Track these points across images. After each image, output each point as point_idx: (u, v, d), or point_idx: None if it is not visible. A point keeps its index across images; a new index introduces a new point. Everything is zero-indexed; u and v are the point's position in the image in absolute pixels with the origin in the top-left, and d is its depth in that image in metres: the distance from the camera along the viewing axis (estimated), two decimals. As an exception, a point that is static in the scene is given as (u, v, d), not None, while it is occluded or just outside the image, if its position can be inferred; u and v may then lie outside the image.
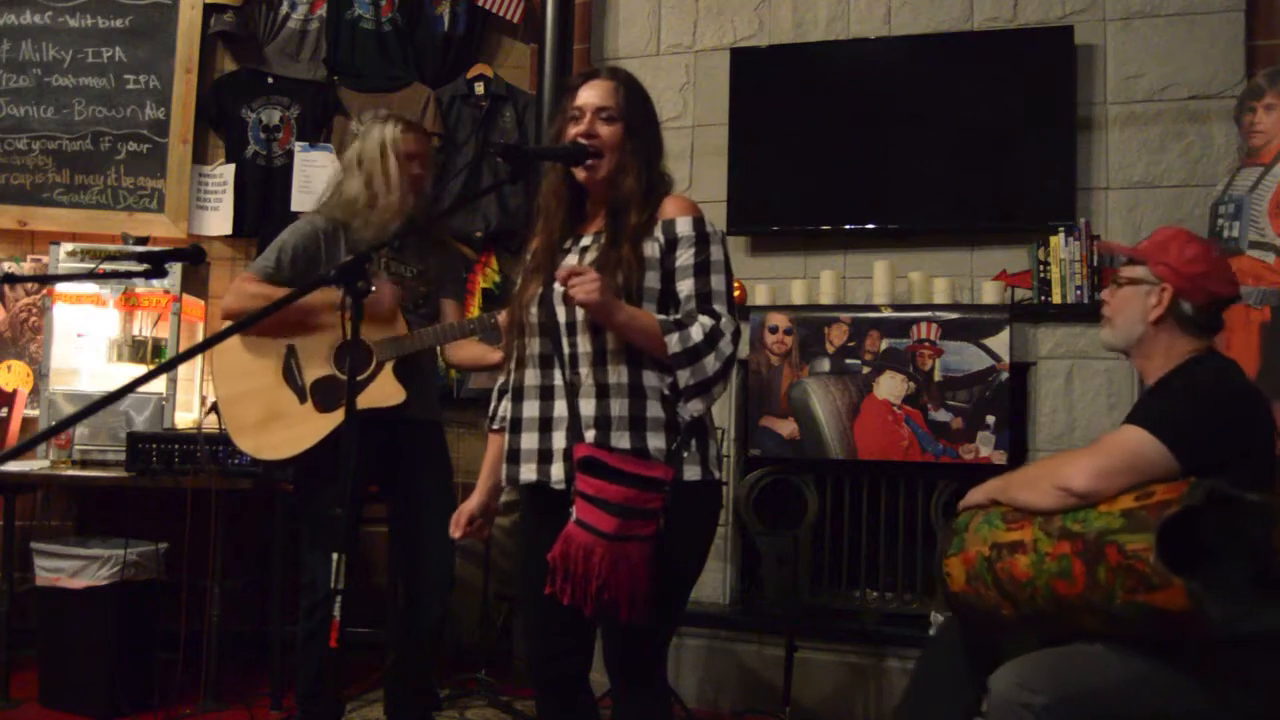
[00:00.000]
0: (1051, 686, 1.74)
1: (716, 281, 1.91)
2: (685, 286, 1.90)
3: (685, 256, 1.90)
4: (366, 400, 2.60)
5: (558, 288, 1.90)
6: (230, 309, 2.70)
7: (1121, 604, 1.73)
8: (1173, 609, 1.68)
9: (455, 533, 2.11)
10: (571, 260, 1.96)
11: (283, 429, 2.68)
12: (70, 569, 3.19)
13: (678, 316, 1.88)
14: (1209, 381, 1.96)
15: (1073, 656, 1.82)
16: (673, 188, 2.03)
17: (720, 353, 1.85)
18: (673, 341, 1.83)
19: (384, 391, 2.65)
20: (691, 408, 1.86)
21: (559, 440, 1.89)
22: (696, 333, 1.84)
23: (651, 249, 1.90)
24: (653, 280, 1.89)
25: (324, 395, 2.69)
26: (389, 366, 2.66)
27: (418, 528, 2.74)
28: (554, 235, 2.01)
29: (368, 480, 2.82)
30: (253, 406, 2.71)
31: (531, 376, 1.95)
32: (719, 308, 1.89)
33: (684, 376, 1.84)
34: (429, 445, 2.79)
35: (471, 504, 2.12)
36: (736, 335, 1.89)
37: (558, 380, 1.91)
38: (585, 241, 1.98)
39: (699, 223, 1.93)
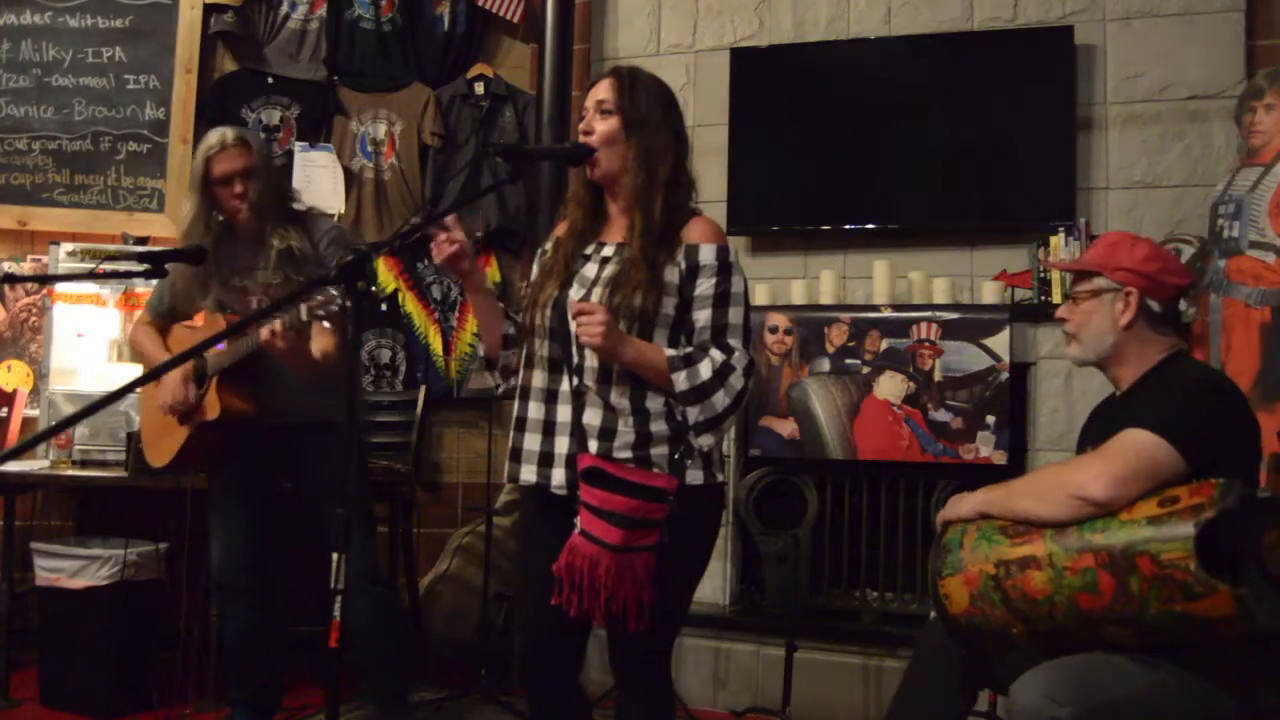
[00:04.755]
0: (1078, 698, 1.71)
1: (734, 314, 1.89)
2: (702, 317, 1.88)
3: (705, 286, 1.88)
4: (198, 416, 2.73)
5: (572, 295, 1.90)
6: None
7: (1156, 614, 1.70)
8: (1215, 616, 1.66)
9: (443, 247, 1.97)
10: (591, 268, 1.94)
11: (158, 441, 2.87)
12: (70, 569, 3.19)
13: (688, 350, 1.87)
14: (1198, 379, 1.96)
15: (1097, 666, 1.78)
16: (693, 189, 1.99)
17: (730, 388, 1.83)
18: (680, 379, 1.82)
19: (208, 406, 2.72)
20: (702, 441, 1.85)
21: (561, 445, 1.89)
22: (705, 369, 1.83)
23: (672, 274, 1.88)
24: (669, 306, 1.87)
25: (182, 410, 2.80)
26: (213, 381, 2.70)
27: (318, 534, 2.77)
28: (575, 238, 1.99)
29: (271, 481, 2.89)
30: (148, 420, 2.94)
31: (539, 379, 1.94)
32: (733, 342, 1.87)
33: (693, 413, 1.83)
34: (314, 448, 2.69)
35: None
36: (749, 370, 1.87)
37: (564, 386, 1.91)
38: (607, 251, 1.95)
39: (723, 252, 1.90)
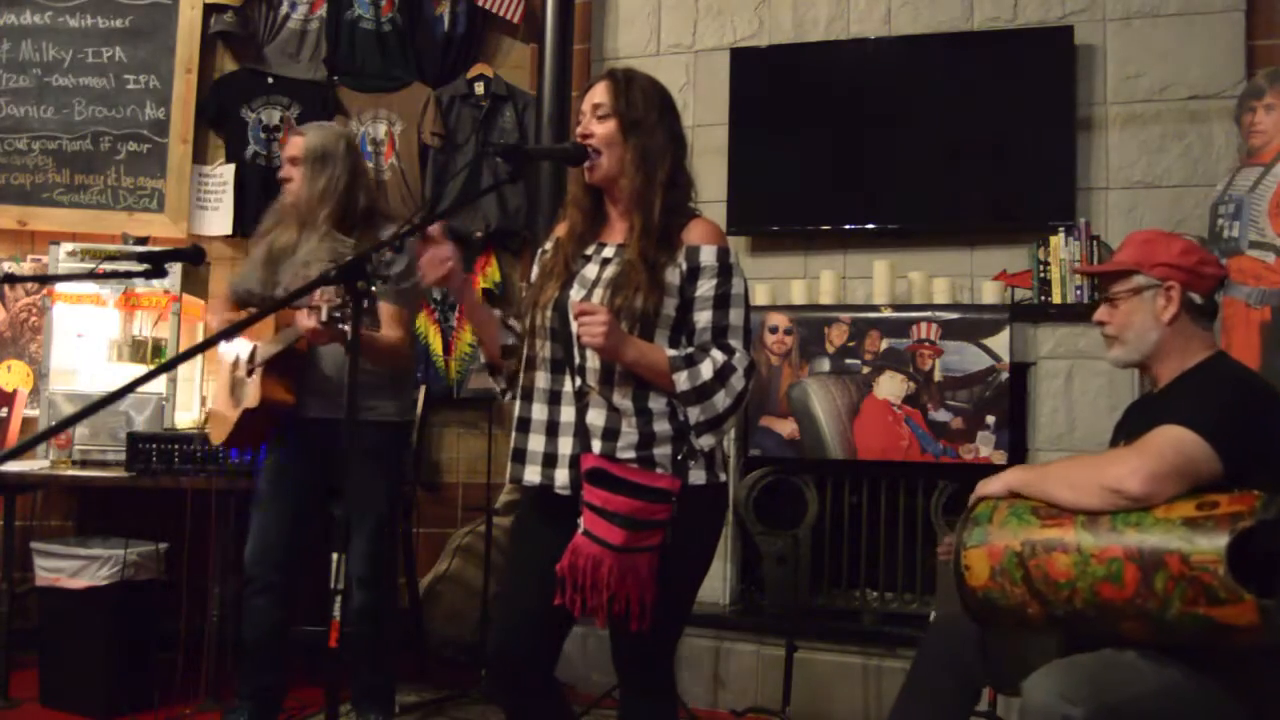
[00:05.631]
0: (1090, 697, 1.70)
1: (735, 316, 1.90)
2: (703, 318, 1.89)
3: (706, 287, 1.89)
4: (243, 404, 2.81)
5: (573, 295, 1.90)
6: None
7: (1177, 614, 1.69)
8: (1237, 624, 1.65)
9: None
10: (591, 269, 1.94)
11: (219, 422, 2.96)
12: (70, 569, 3.19)
13: (689, 350, 1.87)
14: (1238, 379, 1.95)
15: (1109, 666, 1.77)
16: (691, 189, 1.99)
17: (731, 389, 1.84)
18: (681, 379, 1.82)
19: (249, 395, 2.77)
20: (703, 442, 1.86)
21: (565, 446, 1.89)
22: (706, 369, 1.83)
23: (672, 275, 1.88)
24: (669, 307, 1.88)
25: (238, 393, 2.88)
26: (259, 372, 2.74)
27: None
28: (575, 240, 1.99)
29: (314, 478, 2.88)
30: (217, 399, 3.05)
31: (541, 380, 1.94)
32: (734, 342, 1.88)
33: (694, 413, 1.84)
34: (357, 446, 2.72)
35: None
36: (750, 370, 1.87)
37: (567, 386, 1.91)
38: (608, 252, 1.96)
39: (723, 253, 1.91)
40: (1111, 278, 2.04)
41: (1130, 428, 2.02)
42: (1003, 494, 1.96)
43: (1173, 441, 1.79)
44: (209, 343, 2.34)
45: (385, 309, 2.77)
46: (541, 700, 2.00)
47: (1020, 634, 1.96)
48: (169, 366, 2.61)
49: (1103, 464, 1.86)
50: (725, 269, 1.90)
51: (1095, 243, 3.41)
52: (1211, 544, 1.66)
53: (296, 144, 2.86)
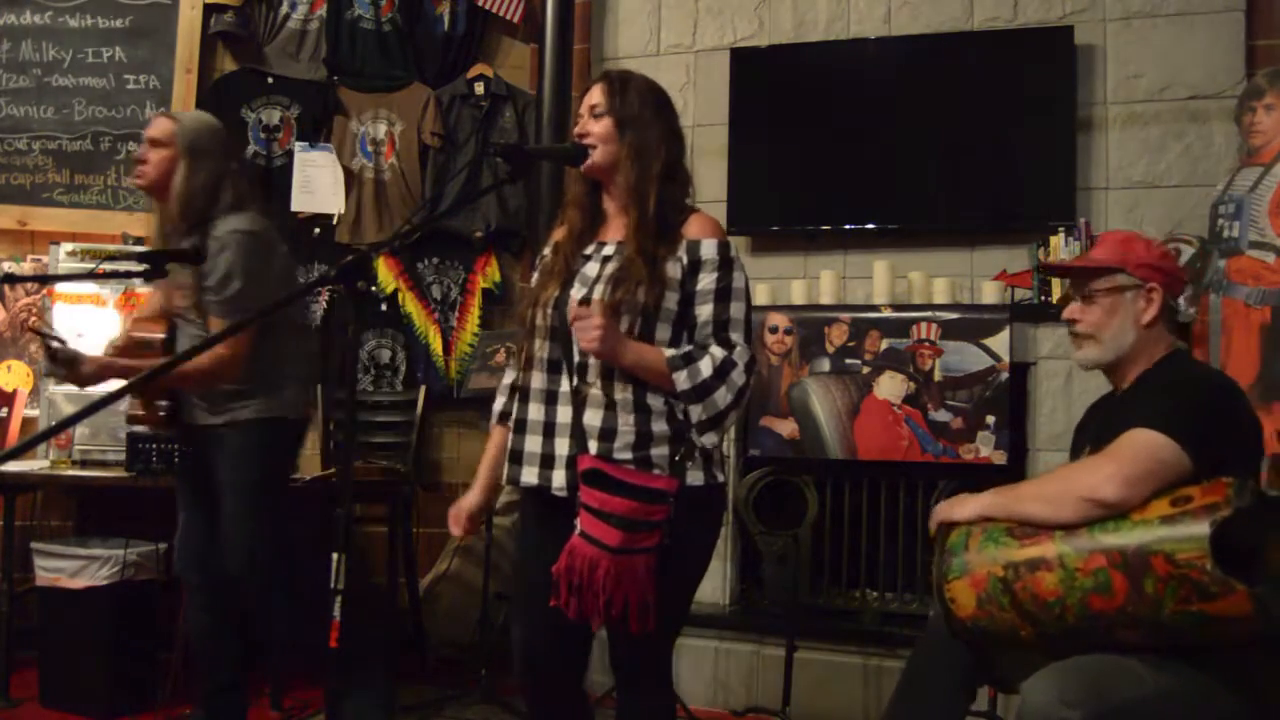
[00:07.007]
0: (1089, 700, 1.69)
1: (735, 309, 1.90)
2: (704, 312, 1.88)
3: (707, 281, 1.89)
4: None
5: (573, 294, 1.91)
6: None
7: (1171, 614, 1.69)
8: (1232, 615, 1.65)
9: (455, 530, 2.10)
10: (591, 268, 1.95)
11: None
12: (70, 569, 3.19)
13: (688, 349, 1.87)
14: (1201, 378, 1.96)
15: (1108, 668, 1.76)
16: (689, 185, 2.01)
17: (732, 384, 1.83)
18: (681, 379, 1.82)
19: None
20: (705, 439, 1.85)
21: (562, 447, 1.89)
22: (706, 367, 1.83)
23: (674, 269, 1.88)
24: (671, 302, 1.88)
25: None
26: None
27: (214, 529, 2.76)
28: (574, 240, 2.00)
29: (202, 482, 2.82)
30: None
31: (538, 380, 1.94)
32: (735, 336, 1.88)
33: (696, 412, 1.83)
34: (217, 449, 2.71)
35: (469, 500, 2.12)
36: (750, 365, 1.87)
37: (564, 386, 1.90)
38: (608, 250, 1.96)
39: (724, 247, 1.91)
40: (1091, 275, 2.01)
41: (1095, 431, 2.01)
42: (974, 519, 1.92)
43: (1144, 444, 1.79)
44: (208, 342, 2.34)
45: (212, 323, 2.62)
46: (572, 708, 2.02)
47: (1021, 654, 1.95)
48: (170, 366, 2.60)
49: (1074, 475, 1.85)
50: (726, 262, 1.90)
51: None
52: (1193, 539, 1.66)
53: (166, 128, 2.66)
